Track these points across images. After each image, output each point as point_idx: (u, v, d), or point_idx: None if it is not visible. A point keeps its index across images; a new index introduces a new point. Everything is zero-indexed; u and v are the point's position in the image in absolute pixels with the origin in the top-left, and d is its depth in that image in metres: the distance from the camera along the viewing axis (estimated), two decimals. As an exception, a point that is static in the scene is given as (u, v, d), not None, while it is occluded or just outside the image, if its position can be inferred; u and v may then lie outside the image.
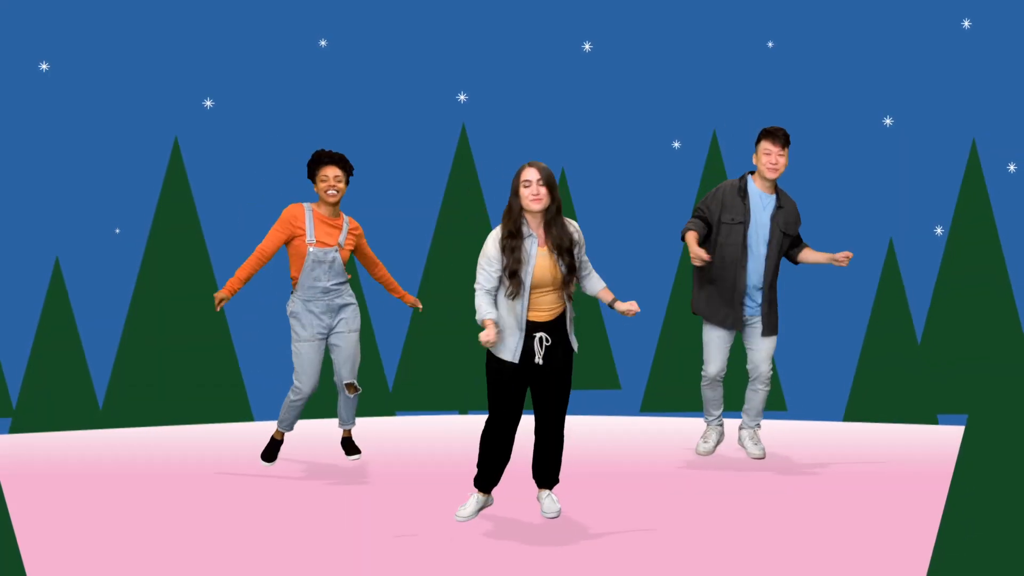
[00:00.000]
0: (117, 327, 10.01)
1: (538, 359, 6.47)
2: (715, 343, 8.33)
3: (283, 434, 8.37)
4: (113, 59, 10.03)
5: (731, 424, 9.49)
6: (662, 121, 10.35)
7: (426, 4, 10.39)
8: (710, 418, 8.64)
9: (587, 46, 10.42)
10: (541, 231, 6.46)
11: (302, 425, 9.82)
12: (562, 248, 6.44)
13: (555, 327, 6.51)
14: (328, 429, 9.55)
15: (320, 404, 10.07)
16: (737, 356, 9.11)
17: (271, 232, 7.97)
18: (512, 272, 6.37)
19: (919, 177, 10.31)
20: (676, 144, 10.36)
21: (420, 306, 8.60)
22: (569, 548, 6.24)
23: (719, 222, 8.15)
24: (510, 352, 6.46)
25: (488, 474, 6.69)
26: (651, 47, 10.37)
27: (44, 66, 9.94)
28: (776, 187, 8.26)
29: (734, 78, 10.32)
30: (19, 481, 7.69)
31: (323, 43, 10.33)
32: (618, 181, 10.36)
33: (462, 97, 10.40)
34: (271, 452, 8.33)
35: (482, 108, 10.39)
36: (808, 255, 8.39)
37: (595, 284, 6.73)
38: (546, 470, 6.76)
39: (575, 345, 6.61)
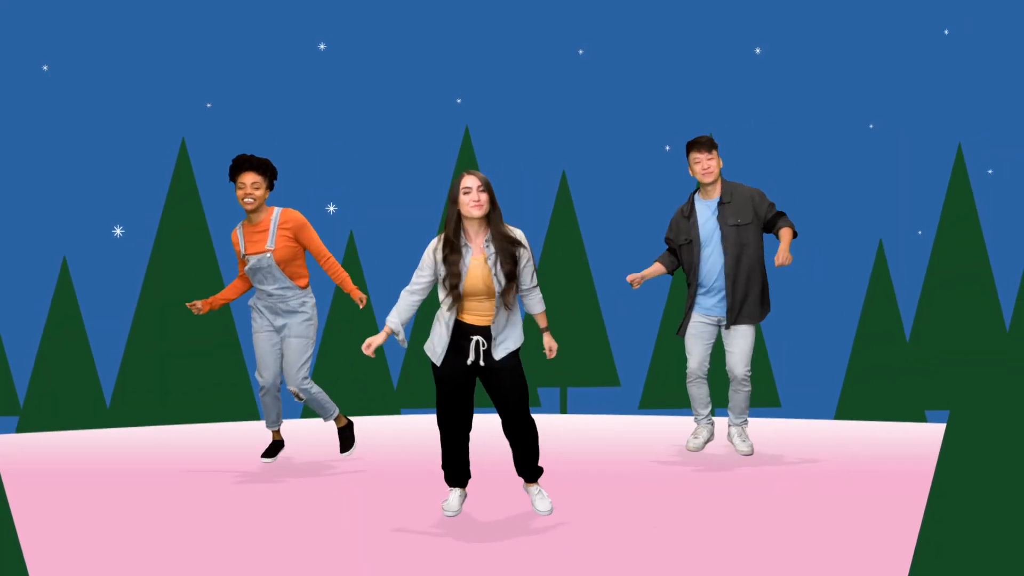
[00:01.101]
0: (124, 326, 10.01)
1: (471, 359, 6.47)
2: (690, 341, 8.50)
3: (280, 433, 8.43)
4: (121, 62, 10.03)
5: (722, 423, 9.56)
6: (655, 125, 10.38)
7: (425, 9, 10.41)
8: (699, 417, 8.72)
9: (581, 51, 10.47)
10: (480, 239, 6.43)
11: (302, 425, 9.78)
12: (504, 257, 6.39)
13: (493, 333, 6.53)
14: (326, 427, 9.57)
15: (319, 403, 10.11)
16: (721, 357, 9.17)
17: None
18: (452, 286, 6.39)
19: (907, 180, 10.37)
20: (667, 148, 10.42)
21: (362, 302, 8.10)
22: (563, 546, 6.26)
23: (680, 247, 8.45)
24: (437, 356, 6.52)
25: (454, 472, 6.75)
26: (644, 53, 10.40)
27: (45, 67, 9.96)
28: (722, 186, 8.40)
29: (724, 84, 10.35)
30: (22, 479, 7.65)
31: (322, 47, 10.36)
32: (618, 182, 10.38)
33: (458, 100, 10.43)
34: (271, 451, 8.41)
35: (481, 112, 10.39)
36: (782, 234, 8.35)
37: (535, 305, 6.61)
38: (523, 465, 6.76)
39: (506, 350, 6.48)
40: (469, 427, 6.68)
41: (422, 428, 9.60)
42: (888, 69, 10.32)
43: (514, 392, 6.56)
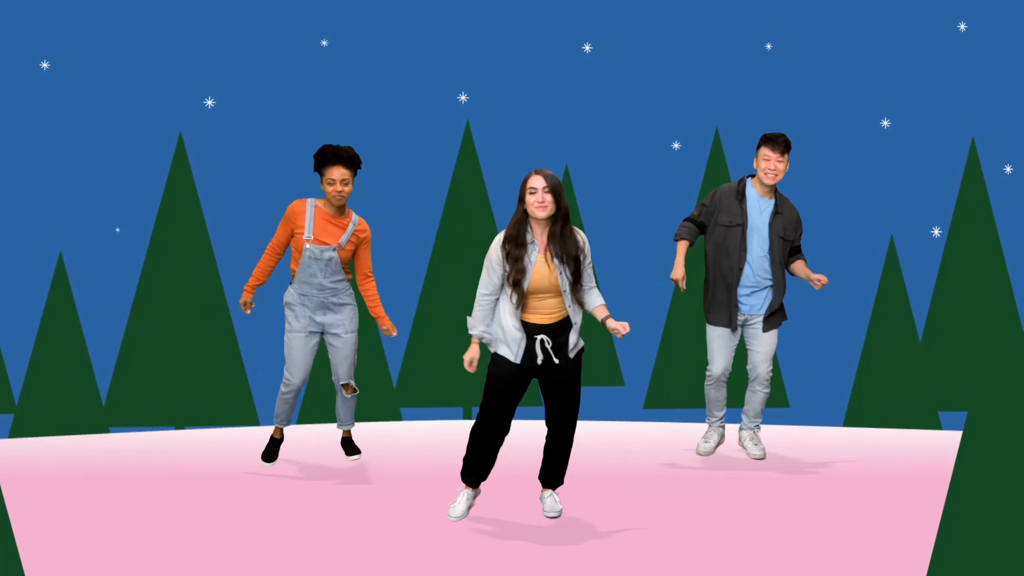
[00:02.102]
0: (121, 323, 10.03)
1: (539, 360, 6.51)
2: (718, 342, 8.34)
3: (282, 431, 8.31)
4: (118, 56, 10.05)
5: (732, 426, 9.48)
6: (664, 121, 10.39)
7: (427, 5, 10.41)
8: (712, 419, 8.62)
9: (587, 47, 10.45)
10: (544, 238, 6.48)
11: (303, 428, 9.77)
12: (567, 257, 6.46)
13: (557, 330, 6.54)
14: (328, 432, 9.52)
15: (320, 408, 10.06)
16: (739, 357, 9.11)
17: (278, 228, 7.96)
18: (515, 282, 6.42)
19: (919, 177, 10.35)
20: (676, 145, 10.39)
21: (395, 333, 8.21)
22: (569, 548, 6.23)
23: (716, 223, 8.19)
24: (512, 353, 6.52)
25: (476, 469, 6.72)
26: (652, 49, 10.41)
27: (45, 64, 9.98)
28: (776, 193, 8.26)
29: (733, 80, 10.35)
30: (19, 484, 7.64)
31: (324, 43, 10.35)
32: (622, 179, 10.40)
33: (463, 97, 10.42)
34: (271, 452, 8.28)
35: (485, 108, 10.42)
36: (797, 268, 8.41)
37: (593, 299, 6.66)
38: (552, 471, 6.80)
39: (572, 351, 6.58)
40: (508, 430, 6.67)
41: (425, 434, 9.60)
42: (901, 64, 10.29)
43: (569, 396, 6.63)
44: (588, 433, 9.58)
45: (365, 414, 10.13)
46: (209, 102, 10.18)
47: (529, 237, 6.46)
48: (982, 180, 10.24)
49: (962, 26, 10.30)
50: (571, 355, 6.58)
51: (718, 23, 10.38)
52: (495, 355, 6.57)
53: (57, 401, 9.88)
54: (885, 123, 10.36)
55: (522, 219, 6.46)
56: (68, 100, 10.01)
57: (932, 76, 10.31)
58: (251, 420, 10.13)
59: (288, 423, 8.26)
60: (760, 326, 8.31)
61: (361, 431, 9.33)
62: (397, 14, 10.40)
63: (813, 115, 10.28)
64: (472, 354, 6.60)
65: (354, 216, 7.99)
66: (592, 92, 10.42)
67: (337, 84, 10.32)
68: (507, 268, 6.44)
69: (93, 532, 6.52)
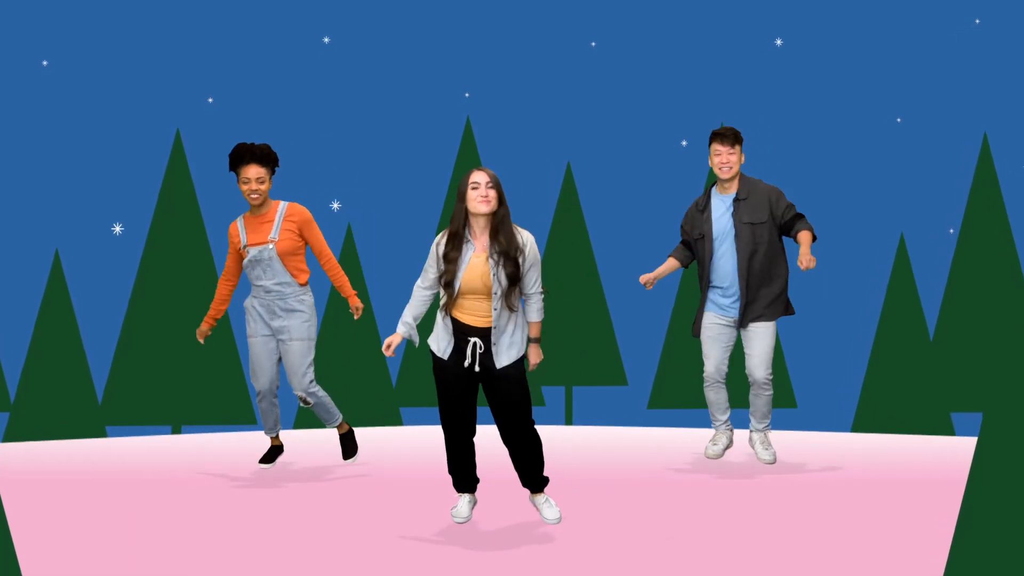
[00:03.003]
0: (118, 321, 10.08)
1: (468, 361, 6.39)
2: (708, 341, 8.28)
3: (279, 439, 8.24)
4: (118, 54, 10.12)
5: (743, 431, 9.42)
6: (669, 118, 10.45)
7: (427, 1, 10.44)
8: (717, 422, 8.54)
9: (593, 43, 10.45)
10: (485, 237, 6.37)
11: (302, 432, 9.77)
12: (507, 256, 6.31)
13: (490, 334, 6.41)
14: (327, 437, 9.51)
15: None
16: (739, 361, 9.04)
17: (227, 256, 7.84)
18: (447, 283, 6.34)
19: (930, 175, 10.36)
20: (684, 143, 10.39)
21: (358, 311, 7.85)
22: (572, 552, 6.17)
23: (694, 239, 8.21)
24: (441, 350, 6.43)
25: (459, 475, 6.66)
26: (659, 45, 10.48)
27: (45, 62, 10.04)
28: (740, 181, 8.13)
29: (742, 76, 10.39)
30: (18, 486, 7.63)
31: (326, 40, 10.37)
32: (625, 176, 10.47)
33: (466, 95, 10.45)
34: (270, 456, 8.22)
35: (488, 104, 10.50)
36: (801, 237, 8.10)
37: (532, 312, 6.44)
38: (527, 476, 6.68)
39: (505, 356, 6.40)
40: (472, 430, 6.56)
41: (426, 437, 9.59)
42: (912, 61, 10.30)
43: (515, 402, 6.47)
44: (593, 437, 9.56)
45: (365, 416, 10.11)
46: (211, 99, 10.21)
47: (467, 236, 6.36)
48: (995, 177, 10.23)
49: (977, 21, 10.29)
50: (504, 362, 6.39)
51: (727, 19, 10.42)
52: (432, 359, 6.47)
53: (53, 399, 9.92)
54: (898, 120, 10.35)
55: (463, 218, 6.35)
56: (64, 97, 10.09)
57: (945, 73, 10.30)
58: (248, 420, 10.16)
59: (276, 431, 8.12)
60: (750, 328, 8.18)
61: (361, 435, 9.32)
62: (398, 11, 10.47)
63: (823, 112, 10.31)
64: (390, 339, 6.41)
65: (281, 205, 7.76)
66: (597, 88, 10.45)
67: (337, 81, 10.38)
68: (441, 268, 6.34)
69: (92, 535, 6.50)
